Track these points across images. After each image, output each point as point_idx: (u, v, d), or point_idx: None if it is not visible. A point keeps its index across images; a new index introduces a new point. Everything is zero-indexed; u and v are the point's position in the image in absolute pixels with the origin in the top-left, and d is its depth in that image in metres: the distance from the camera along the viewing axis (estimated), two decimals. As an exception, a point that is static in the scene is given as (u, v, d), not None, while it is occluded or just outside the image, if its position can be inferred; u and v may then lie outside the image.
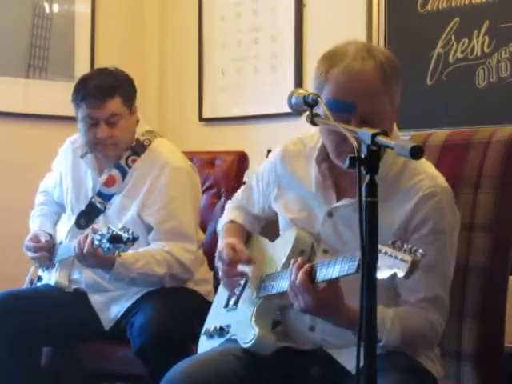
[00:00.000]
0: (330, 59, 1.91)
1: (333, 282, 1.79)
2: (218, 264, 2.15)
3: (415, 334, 1.90)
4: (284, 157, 2.14)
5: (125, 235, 2.39)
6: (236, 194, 2.39)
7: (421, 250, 1.52)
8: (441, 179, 1.96)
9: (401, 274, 1.52)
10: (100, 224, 2.72)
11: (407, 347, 1.91)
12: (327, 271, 1.78)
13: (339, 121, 1.74)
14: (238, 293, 2.16)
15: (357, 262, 1.69)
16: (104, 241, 2.43)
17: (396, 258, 1.52)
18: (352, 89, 1.86)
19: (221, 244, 2.19)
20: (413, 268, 1.51)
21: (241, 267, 2.10)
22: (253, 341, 1.99)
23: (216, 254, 2.16)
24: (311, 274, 1.81)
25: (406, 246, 1.54)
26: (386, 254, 1.53)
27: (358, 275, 1.62)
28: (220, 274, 2.16)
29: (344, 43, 1.94)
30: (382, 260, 1.51)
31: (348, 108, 1.84)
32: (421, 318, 1.90)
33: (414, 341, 1.92)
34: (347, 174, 1.92)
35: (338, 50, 1.92)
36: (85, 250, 2.54)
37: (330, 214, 2.01)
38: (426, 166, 1.98)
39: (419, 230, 1.91)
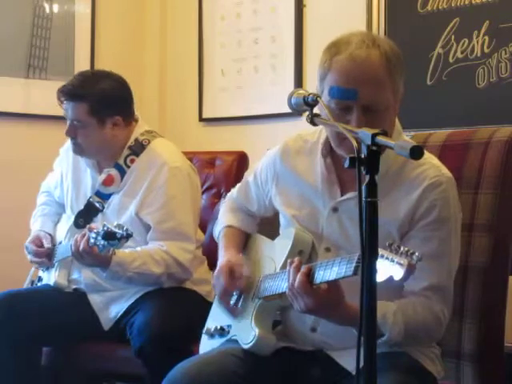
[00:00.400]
0: (335, 47, 1.90)
1: (333, 283, 1.79)
2: (215, 286, 2.15)
3: (419, 326, 1.89)
4: (284, 154, 2.13)
5: (119, 232, 2.39)
6: (230, 193, 2.38)
7: (417, 254, 1.52)
8: (445, 169, 1.97)
9: (397, 277, 1.52)
10: (98, 223, 2.72)
11: (411, 340, 1.90)
12: (325, 273, 1.78)
13: (342, 108, 1.75)
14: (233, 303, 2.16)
15: (354, 265, 1.69)
16: (99, 238, 2.44)
17: (392, 260, 1.53)
18: (356, 76, 1.86)
19: (220, 259, 2.18)
20: (409, 271, 1.52)
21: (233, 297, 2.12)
22: (253, 342, 1.99)
23: (215, 274, 2.15)
24: (309, 276, 1.81)
25: (402, 248, 1.54)
26: (382, 256, 1.53)
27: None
28: (216, 292, 2.17)
29: (348, 33, 1.93)
30: (378, 263, 1.51)
31: (350, 95, 1.84)
32: (425, 309, 1.89)
33: (418, 334, 1.91)
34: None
35: (342, 39, 1.91)
36: (81, 248, 2.54)
37: (335, 209, 2.00)
38: (429, 157, 1.98)
39: (425, 218, 1.91)
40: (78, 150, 2.82)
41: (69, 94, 2.75)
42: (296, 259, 1.87)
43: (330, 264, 1.77)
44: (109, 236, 2.41)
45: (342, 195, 2.00)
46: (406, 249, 1.54)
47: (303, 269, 1.82)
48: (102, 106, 2.76)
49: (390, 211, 1.87)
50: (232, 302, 2.12)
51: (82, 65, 3.96)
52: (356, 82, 1.85)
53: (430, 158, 1.98)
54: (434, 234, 1.90)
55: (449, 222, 1.93)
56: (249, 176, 2.29)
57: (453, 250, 1.96)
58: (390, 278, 1.52)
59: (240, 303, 2.13)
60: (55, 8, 4.01)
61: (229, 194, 2.39)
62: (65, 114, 2.80)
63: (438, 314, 1.92)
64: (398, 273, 1.52)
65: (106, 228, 2.42)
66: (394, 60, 1.89)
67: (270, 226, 2.25)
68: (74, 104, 2.75)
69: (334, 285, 1.79)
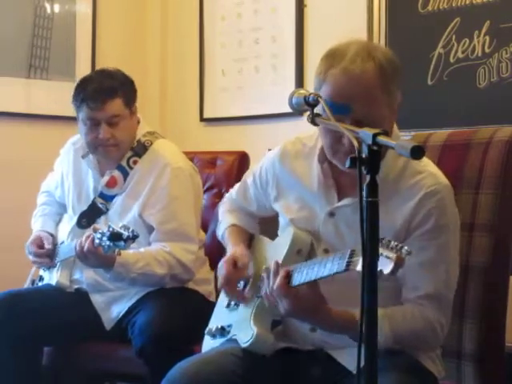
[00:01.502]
0: (330, 59, 1.89)
1: (311, 285, 1.80)
2: (218, 276, 2.15)
3: (408, 333, 1.88)
4: (282, 156, 2.14)
5: (125, 233, 2.39)
6: (229, 194, 2.38)
7: (406, 247, 1.52)
8: (442, 177, 1.96)
9: (386, 271, 1.52)
10: (101, 224, 2.73)
11: (403, 346, 1.90)
12: (302, 275, 1.79)
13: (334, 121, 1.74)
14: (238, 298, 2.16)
15: (346, 260, 1.69)
16: (104, 239, 2.44)
17: (381, 255, 1.52)
18: (348, 91, 1.85)
19: (228, 251, 2.19)
20: (398, 265, 1.51)
21: (240, 284, 2.12)
22: (251, 340, 2.00)
23: (218, 265, 2.15)
24: (287, 278, 1.82)
25: (392, 243, 1.54)
26: None
27: (357, 275, 1.62)
28: (219, 284, 2.17)
29: (346, 42, 1.92)
30: None
31: (342, 110, 1.83)
32: (416, 317, 1.89)
33: (410, 340, 1.90)
34: (347, 173, 1.92)
35: (338, 50, 1.90)
36: (85, 248, 2.54)
37: (331, 214, 2.00)
38: (427, 164, 1.97)
39: (421, 226, 1.91)
40: (113, 148, 2.79)
41: (100, 95, 2.73)
42: (273, 263, 1.88)
43: (313, 264, 1.79)
44: (115, 237, 2.41)
45: (339, 200, 2.00)
46: (396, 243, 1.54)
47: (282, 272, 1.84)
48: (128, 94, 2.80)
49: (386, 219, 1.84)
50: (240, 287, 2.12)
51: (82, 65, 3.97)
52: (349, 97, 1.84)
53: (428, 166, 1.97)
54: (431, 242, 1.90)
55: (446, 230, 1.93)
56: (248, 177, 2.29)
57: (452, 258, 1.95)
58: (380, 272, 1.52)
59: (247, 289, 2.13)
60: (56, 8, 4.01)
61: (227, 195, 2.40)
62: (94, 117, 2.74)
63: (433, 322, 1.90)
64: (387, 267, 1.52)
65: (111, 229, 2.42)
66: (389, 71, 1.87)
67: (270, 225, 2.25)
68: (106, 103, 2.73)
69: (311, 288, 1.81)
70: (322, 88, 1.89)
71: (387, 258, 1.52)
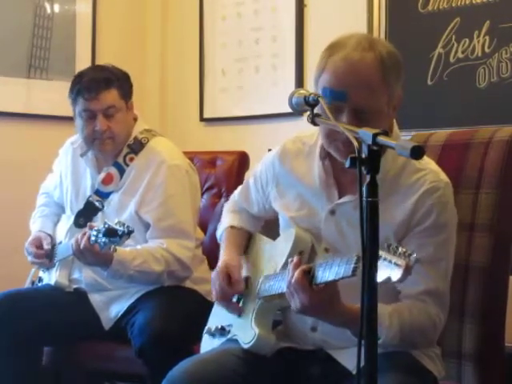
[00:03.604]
0: (332, 48, 1.91)
1: (331, 283, 1.78)
2: (212, 289, 2.15)
3: (414, 329, 1.89)
4: (282, 156, 2.14)
5: (120, 229, 2.40)
6: (232, 196, 2.38)
7: (414, 255, 1.52)
8: (443, 174, 1.96)
9: (395, 279, 1.52)
10: (98, 222, 2.73)
11: (406, 344, 1.90)
12: (324, 273, 1.77)
13: (333, 109, 1.74)
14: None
15: (352, 266, 1.69)
16: (100, 236, 2.44)
17: (390, 262, 1.52)
18: (347, 78, 1.85)
19: (219, 262, 2.18)
20: (406, 272, 1.51)
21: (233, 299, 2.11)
22: (253, 342, 2.00)
23: (212, 277, 2.15)
24: (309, 274, 1.80)
25: (400, 249, 1.53)
26: (380, 257, 1.53)
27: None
28: (213, 296, 2.16)
29: (348, 34, 1.93)
30: None
31: (339, 96, 1.84)
32: (421, 313, 1.89)
33: (414, 337, 1.90)
34: (348, 171, 1.91)
35: (340, 41, 1.91)
36: (82, 246, 2.54)
37: (332, 212, 2.00)
38: (427, 162, 1.98)
39: (422, 223, 1.91)
40: (109, 141, 2.79)
41: (96, 86, 2.74)
42: (295, 257, 1.86)
43: (330, 264, 1.76)
44: (110, 233, 2.42)
45: (339, 198, 2.00)
46: (404, 250, 1.53)
47: (303, 266, 1.82)
48: (125, 87, 2.81)
49: (387, 216, 1.85)
50: (234, 300, 2.12)
51: (82, 65, 3.94)
52: (347, 84, 1.85)
53: (428, 164, 1.97)
54: (432, 239, 1.90)
55: (446, 228, 1.93)
56: (250, 178, 2.29)
57: (449, 254, 1.96)
58: (388, 279, 1.52)
59: (241, 303, 2.13)
60: (56, 8, 4.02)
61: (231, 197, 2.40)
62: (90, 108, 2.75)
63: (434, 318, 1.91)
64: (395, 274, 1.52)
65: (107, 225, 2.43)
66: (389, 64, 1.88)
67: (271, 226, 2.25)
68: (102, 93, 2.74)
69: (331, 286, 1.79)
70: (322, 76, 1.90)
71: (396, 265, 1.52)
